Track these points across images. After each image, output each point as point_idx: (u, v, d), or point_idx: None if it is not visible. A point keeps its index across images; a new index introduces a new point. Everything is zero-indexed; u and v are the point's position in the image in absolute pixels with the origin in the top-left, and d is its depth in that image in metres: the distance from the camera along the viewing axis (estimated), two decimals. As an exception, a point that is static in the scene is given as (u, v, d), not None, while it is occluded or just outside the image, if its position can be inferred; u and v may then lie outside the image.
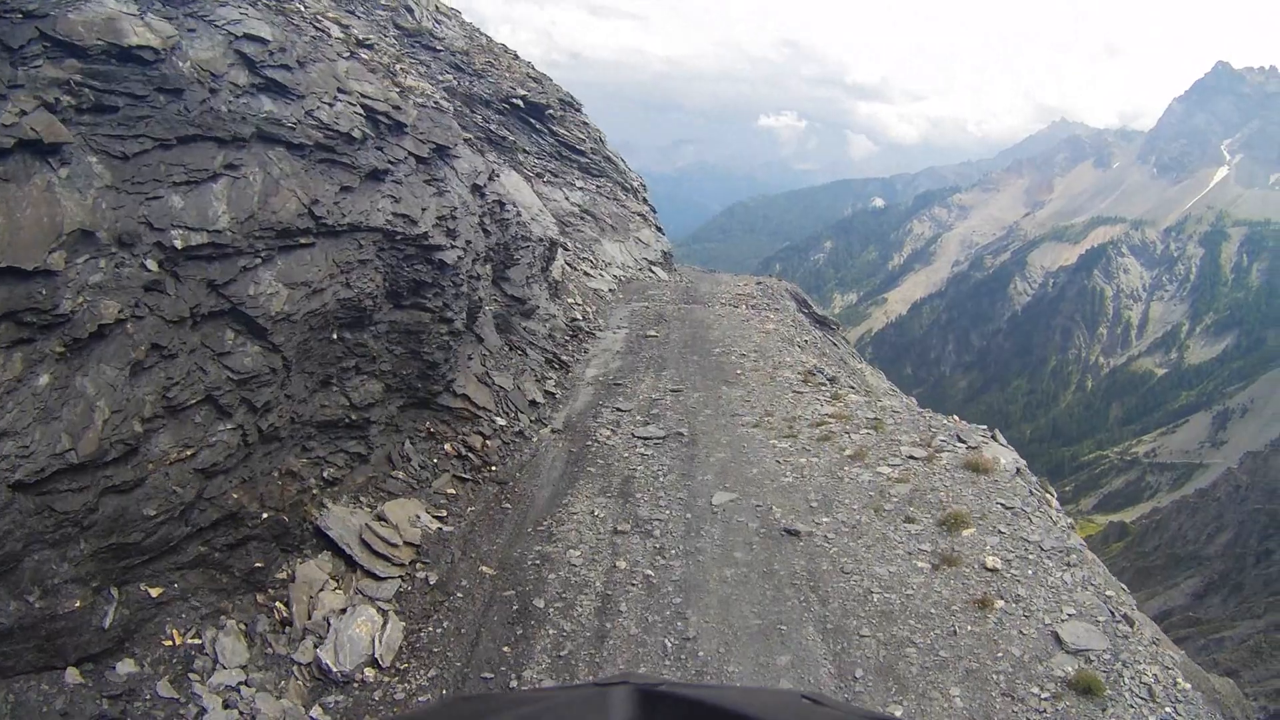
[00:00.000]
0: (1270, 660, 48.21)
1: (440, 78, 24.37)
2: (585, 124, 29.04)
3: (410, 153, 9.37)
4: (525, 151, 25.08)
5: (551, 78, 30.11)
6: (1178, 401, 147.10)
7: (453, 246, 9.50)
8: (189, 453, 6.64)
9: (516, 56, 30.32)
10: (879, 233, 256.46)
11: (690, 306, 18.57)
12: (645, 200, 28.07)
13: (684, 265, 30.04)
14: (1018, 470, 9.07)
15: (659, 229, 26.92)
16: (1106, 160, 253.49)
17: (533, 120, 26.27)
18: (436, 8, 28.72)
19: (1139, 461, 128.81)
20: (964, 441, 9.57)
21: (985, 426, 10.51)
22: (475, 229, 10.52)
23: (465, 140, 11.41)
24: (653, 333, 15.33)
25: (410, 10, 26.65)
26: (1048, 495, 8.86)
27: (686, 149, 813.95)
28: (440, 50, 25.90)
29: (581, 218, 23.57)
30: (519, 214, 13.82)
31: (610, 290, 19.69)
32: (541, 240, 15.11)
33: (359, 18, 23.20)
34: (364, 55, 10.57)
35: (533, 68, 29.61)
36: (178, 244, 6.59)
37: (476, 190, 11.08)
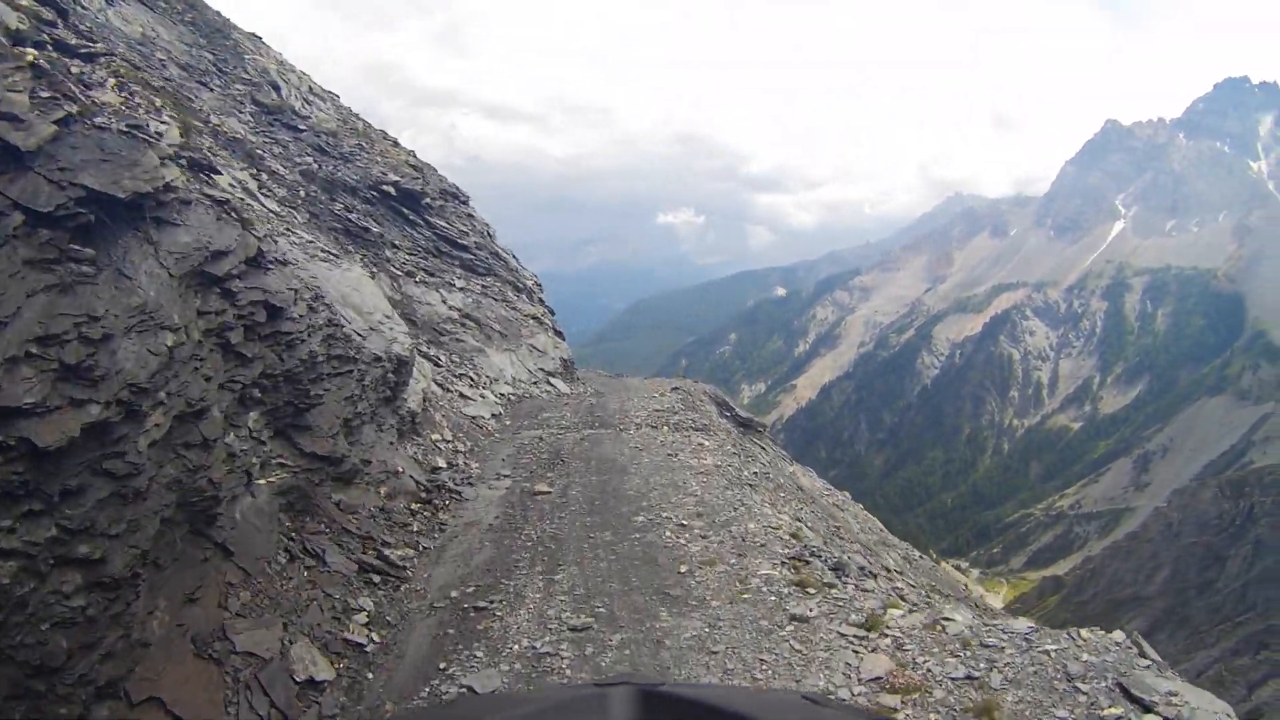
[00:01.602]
0: (1233, 687, 45.77)
1: (299, 159, 20.23)
2: (470, 216, 25.06)
3: (16, 202, 4.62)
4: (394, 246, 20.70)
5: (435, 168, 26.29)
6: (1096, 451, 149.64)
7: (90, 400, 4.62)
8: None
9: (396, 143, 26.70)
10: (783, 321, 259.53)
11: (597, 434, 14.06)
12: (541, 301, 23.88)
13: (588, 369, 25.90)
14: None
15: (558, 333, 22.63)
16: (1003, 228, 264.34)
17: (406, 210, 22.13)
18: (310, 89, 25.18)
19: (1064, 515, 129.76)
20: (1142, 703, 5.16)
21: (1122, 637, 6.23)
22: (190, 355, 5.75)
23: (209, 199, 6.72)
24: (544, 487, 10.59)
25: (276, 88, 22.84)
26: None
27: (589, 249, 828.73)
28: (303, 130, 21.91)
29: (461, 323, 19.05)
30: (335, 323, 9.06)
31: (494, 415, 14.99)
32: (381, 360, 10.38)
33: (212, 90, 19.18)
34: None
35: (415, 156, 25.86)
36: None
37: (209, 283, 6.37)
